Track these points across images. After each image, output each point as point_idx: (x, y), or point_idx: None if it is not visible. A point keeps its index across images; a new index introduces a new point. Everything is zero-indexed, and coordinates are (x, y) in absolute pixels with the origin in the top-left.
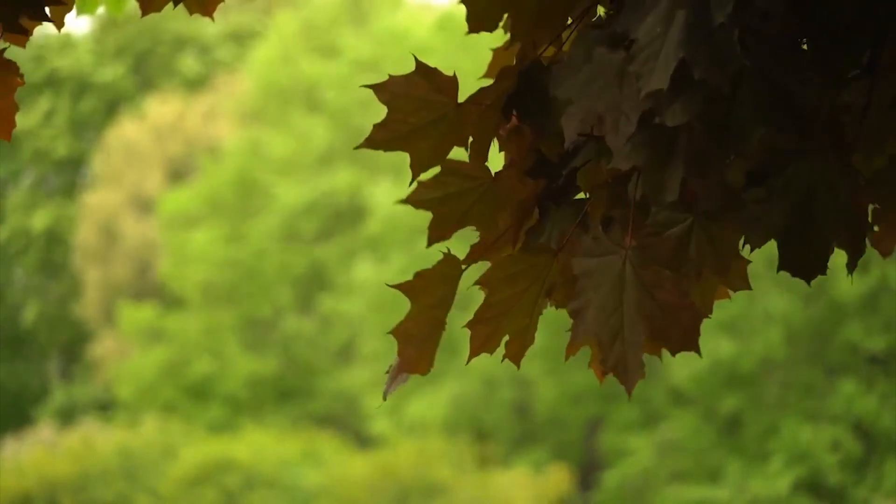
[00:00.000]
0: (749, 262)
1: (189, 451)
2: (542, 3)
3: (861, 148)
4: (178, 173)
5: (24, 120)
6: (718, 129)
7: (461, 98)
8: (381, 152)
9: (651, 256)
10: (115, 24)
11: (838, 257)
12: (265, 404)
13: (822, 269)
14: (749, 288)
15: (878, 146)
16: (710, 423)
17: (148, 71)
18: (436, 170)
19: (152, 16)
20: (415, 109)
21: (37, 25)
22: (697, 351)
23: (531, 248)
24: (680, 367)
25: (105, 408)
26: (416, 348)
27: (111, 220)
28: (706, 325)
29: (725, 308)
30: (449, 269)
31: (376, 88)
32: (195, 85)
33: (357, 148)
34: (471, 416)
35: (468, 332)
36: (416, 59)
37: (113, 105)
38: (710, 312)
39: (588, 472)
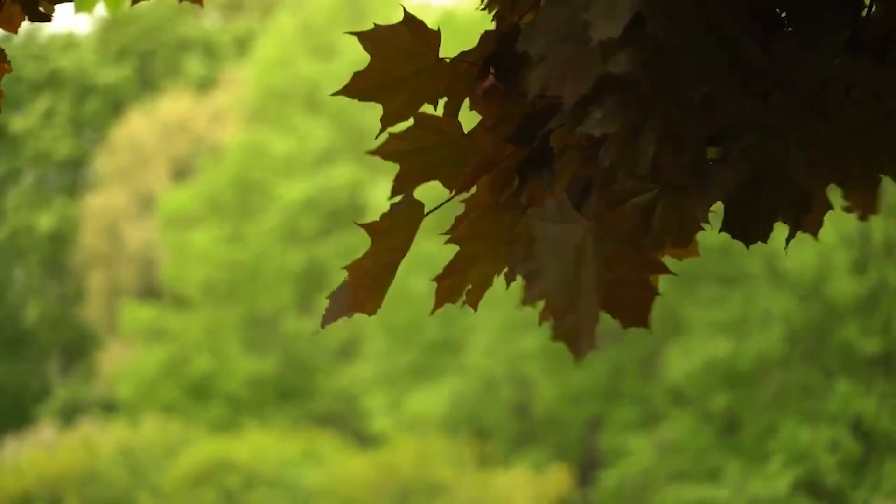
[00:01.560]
0: (702, 228)
1: (189, 450)
2: None
3: (842, 126)
4: (181, 174)
5: (25, 120)
6: (664, 83)
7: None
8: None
9: (613, 227)
10: (117, 24)
11: (837, 258)
12: (266, 404)
13: (765, 236)
14: (697, 254)
15: (861, 124)
16: (709, 424)
17: (151, 72)
18: (408, 123)
19: (155, 16)
20: (396, 60)
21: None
22: (648, 326)
23: (500, 204)
24: (679, 368)
25: (106, 407)
26: (368, 288)
27: (114, 220)
28: (706, 325)
29: (724, 308)
30: (412, 214)
31: (361, 36)
32: (198, 86)
33: (334, 95)
34: (470, 415)
35: (467, 333)
36: (404, 9)
37: (115, 106)
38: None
39: (587, 471)
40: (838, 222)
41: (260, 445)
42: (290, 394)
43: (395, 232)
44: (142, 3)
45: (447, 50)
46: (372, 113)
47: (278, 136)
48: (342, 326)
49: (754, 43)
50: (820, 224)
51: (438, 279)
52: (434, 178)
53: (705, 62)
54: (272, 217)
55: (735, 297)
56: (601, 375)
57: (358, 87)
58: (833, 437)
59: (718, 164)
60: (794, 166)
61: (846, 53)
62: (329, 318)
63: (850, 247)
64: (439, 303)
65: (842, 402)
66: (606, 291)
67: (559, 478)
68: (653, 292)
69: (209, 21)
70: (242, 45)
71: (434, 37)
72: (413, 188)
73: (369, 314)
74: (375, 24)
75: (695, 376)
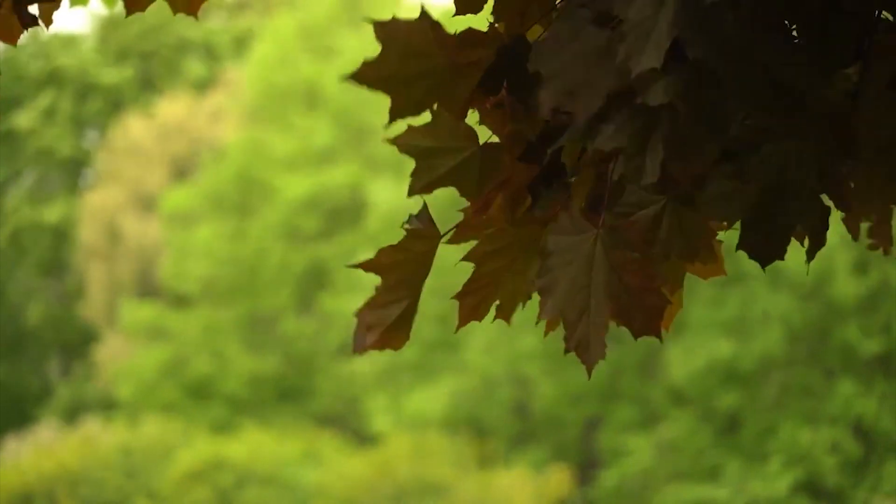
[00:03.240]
0: (721, 242)
1: (189, 450)
2: None
3: (854, 134)
4: (181, 173)
5: (27, 117)
6: (701, 110)
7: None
8: (380, 151)
9: (621, 237)
10: (117, 24)
11: (839, 258)
12: (266, 404)
13: (781, 254)
14: (724, 273)
15: (870, 132)
16: (709, 424)
17: (151, 72)
18: (421, 120)
19: (156, 17)
20: (409, 55)
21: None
22: (659, 336)
23: (518, 220)
24: (679, 368)
25: (106, 407)
26: (388, 329)
27: (114, 219)
28: (705, 325)
29: (725, 308)
30: (427, 243)
31: (377, 25)
32: (199, 86)
33: (344, 80)
34: (470, 414)
35: (466, 332)
36: (422, 8)
37: (116, 105)
38: (677, 300)
39: (587, 471)
40: (838, 222)
41: (259, 445)
42: (290, 394)
43: (407, 265)
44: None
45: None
46: (373, 112)
47: (279, 135)
48: (343, 326)
49: (784, 61)
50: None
51: (459, 297)
52: (450, 185)
53: (744, 86)
54: (273, 216)
55: (735, 297)
56: (601, 375)
57: (367, 76)
58: (833, 438)
59: (732, 181)
60: (813, 172)
61: (856, 65)
62: (359, 347)
63: (850, 247)
64: (464, 321)
65: (842, 403)
66: (617, 300)
67: (559, 478)
68: (665, 301)
69: (209, 21)
70: (242, 45)
71: (450, 40)
72: (430, 191)
73: (396, 350)
74: (394, 17)
75: (695, 376)
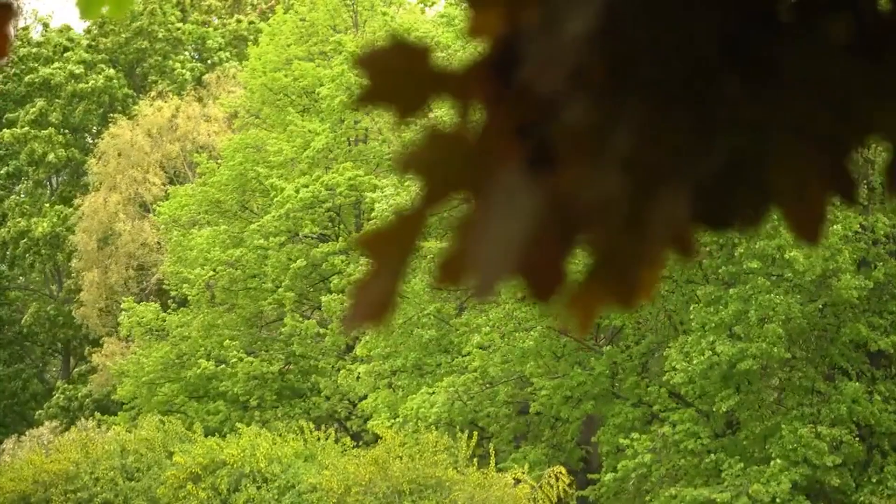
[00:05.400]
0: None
1: (188, 450)
2: None
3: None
4: (177, 175)
5: (20, 125)
6: (640, 77)
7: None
8: (380, 151)
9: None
10: (107, 28)
11: (842, 258)
12: (265, 403)
13: (733, 227)
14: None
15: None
16: (709, 424)
17: (142, 74)
18: (419, 131)
19: (145, 19)
20: (393, 77)
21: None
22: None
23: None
24: (679, 368)
25: (105, 408)
26: (371, 303)
27: (109, 222)
28: (706, 325)
29: (725, 308)
30: (412, 221)
31: (361, 63)
32: (190, 88)
33: (352, 103)
34: (469, 414)
35: (465, 332)
36: (394, 33)
37: (107, 109)
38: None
39: (586, 471)
40: (843, 221)
41: (259, 445)
42: (290, 394)
43: (393, 242)
44: (135, 6)
45: (447, 50)
46: (371, 111)
47: (276, 137)
48: (341, 327)
49: (750, 37)
50: (817, 230)
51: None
52: (458, 190)
53: (688, 54)
54: (271, 217)
55: (735, 297)
56: (600, 376)
57: (365, 101)
58: (835, 439)
59: (697, 155)
60: (771, 163)
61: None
62: (347, 326)
63: (854, 246)
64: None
65: (845, 404)
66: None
67: (558, 477)
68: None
69: (200, 22)
70: (241, 45)
71: (424, 51)
72: (443, 203)
73: (381, 324)
74: (371, 48)
75: (695, 377)
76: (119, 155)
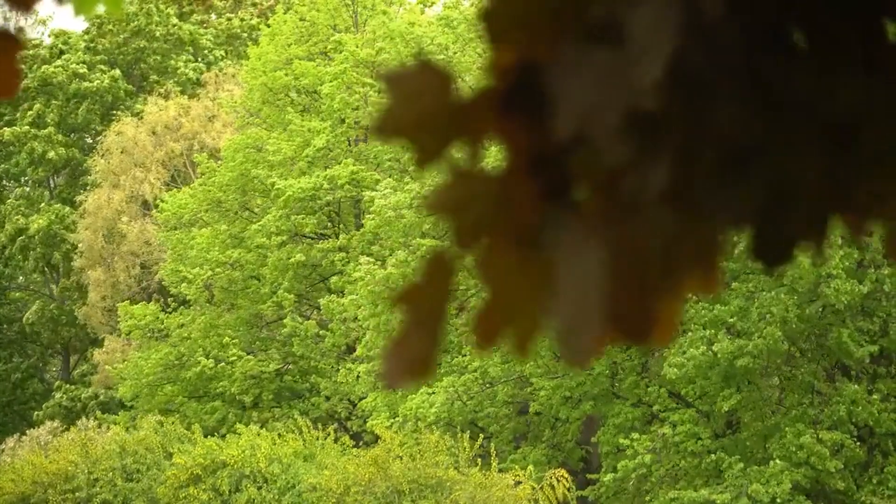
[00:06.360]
0: (722, 254)
1: (188, 450)
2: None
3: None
4: (177, 174)
5: (20, 124)
6: (704, 121)
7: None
8: (379, 150)
9: (627, 251)
10: (106, 28)
11: (838, 260)
12: (263, 403)
13: (788, 258)
14: (719, 290)
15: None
16: (709, 424)
17: (142, 74)
18: (444, 171)
19: (144, 18)
20: (416, 101)
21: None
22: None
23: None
24: (678, 368)
25: (105, 408)
26: (410, 362)
27: (113, 219)
28: (706, 325)
29: (725, 308)
30: (441, 279)
31: (383, 79)
32: (191, 87)
33: (371, 129)
34: (469, 414)
35: (465, 332)
36: (420, 54)
37: (108, 109)
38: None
39: (586, 471)
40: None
41: (258, 445)
42: (288, 395)
43: (427, 295)
44: (133, 6)
45: (447, 49)
46: (370, 111)
47: (276, 136)
48: (342, 326)
49: (793, 72)
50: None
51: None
52: (486, 233)
53: (748, 96)
54: (271, 217)
55: (736, 297)
56: (600, 376)
57: (385, 129)
58: (835, 439)
59: (734, 188)
60: (812, 192)
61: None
62: (387, 384)
63: (849, 249)
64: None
65: (845, 405)
66: (617, 311)
67: (558, 477)
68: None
69: (199, 21)
70: (235, 43)
71: (447, 78)
72: (473, 245)
73: (426, 381)
74: (394, 69)
75: (690, 371)
76: (122, 152)
